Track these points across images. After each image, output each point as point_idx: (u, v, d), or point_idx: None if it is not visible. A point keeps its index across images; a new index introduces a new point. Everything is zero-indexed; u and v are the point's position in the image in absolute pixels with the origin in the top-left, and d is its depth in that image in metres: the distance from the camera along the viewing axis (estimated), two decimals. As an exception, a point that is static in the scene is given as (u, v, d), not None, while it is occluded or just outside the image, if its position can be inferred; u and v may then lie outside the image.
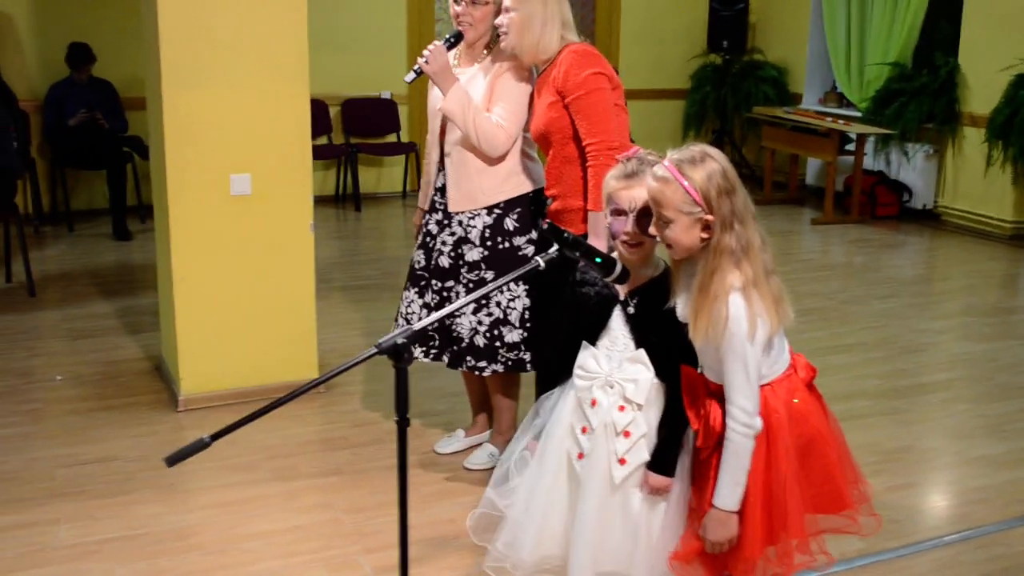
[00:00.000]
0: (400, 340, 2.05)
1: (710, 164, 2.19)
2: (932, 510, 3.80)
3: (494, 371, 3.68)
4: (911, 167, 8.82)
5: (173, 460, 1.98)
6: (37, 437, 4.14)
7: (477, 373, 3.70)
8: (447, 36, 3.59)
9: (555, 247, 2.24)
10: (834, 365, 5.12)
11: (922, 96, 8.60)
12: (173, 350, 4.48)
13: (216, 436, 1.98)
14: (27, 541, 3.34)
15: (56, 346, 5.23)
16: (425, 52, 3.51)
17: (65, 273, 6.66)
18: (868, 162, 9.08)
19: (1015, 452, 4.17)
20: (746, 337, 2.17)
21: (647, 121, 9.73)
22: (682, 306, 2.29)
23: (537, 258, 2.21)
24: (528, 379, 3.95)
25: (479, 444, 4.02)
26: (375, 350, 2.08)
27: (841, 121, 8.90)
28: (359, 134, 9.21)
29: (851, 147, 8.95)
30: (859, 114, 9.29)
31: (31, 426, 4.24)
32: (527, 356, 3.67)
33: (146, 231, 7.79)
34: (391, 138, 9.35)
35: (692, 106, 10.43)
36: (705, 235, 2.20)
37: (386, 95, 9.31)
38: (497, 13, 3.50)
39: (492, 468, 3.86)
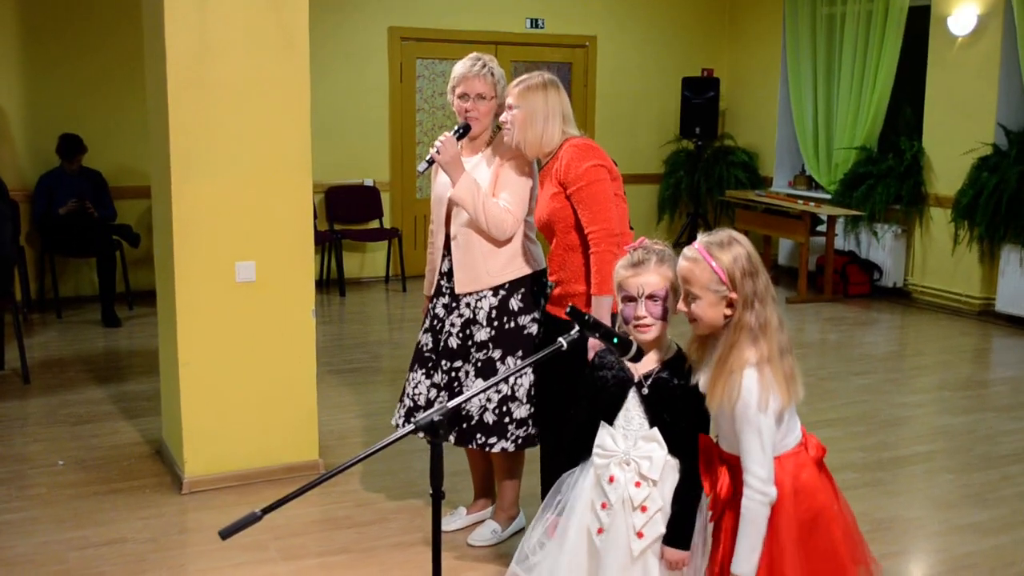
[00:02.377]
0: (436, 417, 2.19)
1: (736, 248, 2.38)
2: (923, 578, 3.94)
3: (503, 448, 3.79)
4: (881, 247, 9.11)
5: (227, 533, 2.07)
6: (45, 521, 4.18)
7: (487, 450, 3.81)
8: (456, 128, 3.81)
9: (576, 328, 2.39)
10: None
11: (889, 178, 8.91)
12: (177, 433, 4.56)
13: (267, 510, 2.08)
14: (46, 623, 3.39)
15: (55, 431, 5.29)
16: (437, 143, 3.71)
17: (57, 360, 6.72)
18: (839, 242, 9.36)
19: (999, 519, 4.32)
20: (758, 409, 2.33)
21: (623, 205, 9.93)
22: (704, 379, 2.45)
23: (560, 339, 2.36)
24: (531, 456, 4.07)
25: (481, 521, 4.12)
26: (412, 427, 2.21)
27: (811, 203, 9.18)
28: (343, 220, 9.38)
29: (822, 228, 9.22)
30: (828, 196, 9.58)
31: (38, 510, 4.29)
32: (534, 431, 3.80)
33: (134, 317, 7.89)
34: (374, 224, 9.53)
35: (666, 190, 10.70)
36: (729, 312, 2.37)
37: (368, 182, 9.52)
38: (499, 108, 3.72)
39: (495, 544, 3.98)
